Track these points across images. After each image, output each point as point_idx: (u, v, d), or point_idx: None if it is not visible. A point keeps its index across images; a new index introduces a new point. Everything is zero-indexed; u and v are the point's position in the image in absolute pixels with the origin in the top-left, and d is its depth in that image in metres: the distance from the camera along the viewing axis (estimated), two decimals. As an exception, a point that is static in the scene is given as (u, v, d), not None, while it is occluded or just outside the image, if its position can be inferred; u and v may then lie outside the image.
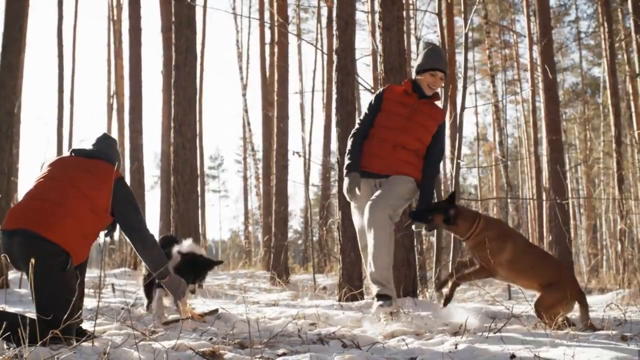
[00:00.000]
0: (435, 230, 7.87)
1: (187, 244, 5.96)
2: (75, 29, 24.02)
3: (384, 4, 7.68)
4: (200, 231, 12.85)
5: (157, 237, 5.99)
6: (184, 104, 10.41)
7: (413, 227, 5.87)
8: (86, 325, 5.04)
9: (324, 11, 24.05)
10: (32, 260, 3.96)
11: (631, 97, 21.37)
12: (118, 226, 5.18)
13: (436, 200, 6.42)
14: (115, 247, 18.60)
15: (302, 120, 27.98)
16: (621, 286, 11.34)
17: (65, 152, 5.27)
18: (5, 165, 8.77)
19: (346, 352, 4.10)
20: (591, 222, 31.42)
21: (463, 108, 8.67)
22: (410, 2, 19.62)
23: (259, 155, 27.14)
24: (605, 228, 32.35)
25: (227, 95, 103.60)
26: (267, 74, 23.49)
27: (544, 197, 19.79)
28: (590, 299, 9.43)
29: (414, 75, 6.06)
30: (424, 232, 7.31)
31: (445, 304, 5.62)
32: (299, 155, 10.80)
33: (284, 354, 4.15)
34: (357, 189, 5.84)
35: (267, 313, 6.64)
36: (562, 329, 4.97)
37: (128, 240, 5.21)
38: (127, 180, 18.70)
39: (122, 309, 6.55)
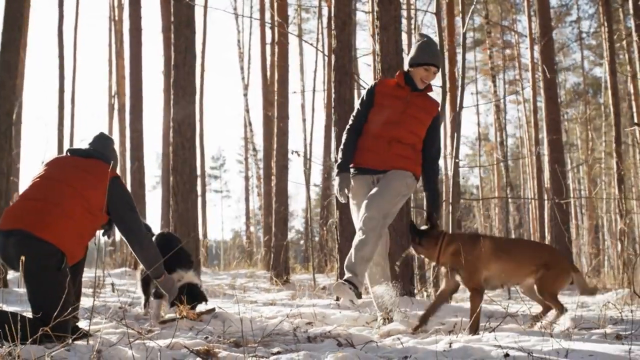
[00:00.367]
0: None
1: (189, 274, 5.94)
2: (76, 29, 24.04)
3: (381, 3, 7.68)
4: (199, 231, 12.86)
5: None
6: (184, 104, 10.40)
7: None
8: (82, 324, 5.05)
9: (326, 11, 24.08)
10: (25, 260, 3.98)
11: (632, 97, 21.34)
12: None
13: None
14: (116, 248, 18.60)
15: (303, 120, 28.01)
16: (621, 286, 11.33)
17: (65, 153, 5.27)
18: (5, 165, 8.77)
19: (340, 350, 4.11)
20: (593, 222, 31.42)
21: (461, 107, 8.68)
22: (411, 2, 19.63)
23: (260, 155, 27.16)
24: (606, 228, 32.32)
25: (229, 96, 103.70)
26: (268, 74, 23.50)
27: (545, 197, 19.78)
28: (589, 299, 9.44)
29: (406, 67, 5.96)
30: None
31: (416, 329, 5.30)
32: (298, 155, 10.80)
33: (278, 353, 4.16)
34: (346, 190, 5.78)
35: (264, 312, 6.64)
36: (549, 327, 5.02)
37: (124, 239, 5.22)
38: (128, 180, 18.74)
39: (120, 308, 6.56)
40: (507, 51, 31.98)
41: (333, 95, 8.24)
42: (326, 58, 23.58)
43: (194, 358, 3.94)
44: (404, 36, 13.01)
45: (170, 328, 5.25)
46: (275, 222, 14.76)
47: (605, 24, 19.15)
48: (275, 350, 4.28)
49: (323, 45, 24.71)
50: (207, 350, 4.10)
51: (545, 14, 18.07)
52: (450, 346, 4.20)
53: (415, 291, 8.18)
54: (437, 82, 11.58)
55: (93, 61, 79.21)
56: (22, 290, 8.34)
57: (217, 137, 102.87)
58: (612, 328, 5.21)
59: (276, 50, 18.06)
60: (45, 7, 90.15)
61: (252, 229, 33.68)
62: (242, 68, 29.90)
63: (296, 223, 46.13)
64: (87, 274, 7.91)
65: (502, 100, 23.41)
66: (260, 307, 7.31)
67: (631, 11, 17.70)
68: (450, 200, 9.02)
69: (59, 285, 4.33)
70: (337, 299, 7.77)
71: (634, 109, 20.75)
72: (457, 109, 8.76)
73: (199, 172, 23.41)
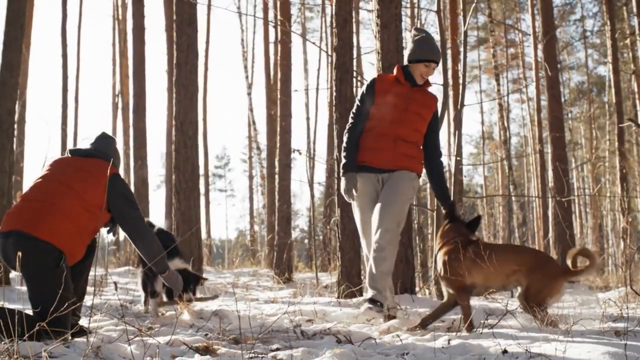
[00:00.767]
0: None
1: (175, 262, 5.99)
2: (80, 28, 24.14)
3: (382, 1, 7.69)
4: (203, 230, 12.87)
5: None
6: (186, 102, 10.44)
7: None
8: (83, 322, 5.06)
9: (329, 10, 24.06)
10: (23, 259, 4.00)
11: (636, 96, 21.29)
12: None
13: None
14: (119, 247, 18.62)
15: (307, 118, 28.00)
16: (623, 284, 11.31)
17: (67, 153, 5.30)
18: (7, 164, 8.79)
19: (338, 347, 4.11)
20: (597, 221, 31.38)
21: (462, 105, 8.69)
22: (414, 0, 19.64)
23: (264, 154, 27.16)
24: (610, 227, 32.28)
25: (234, 95, 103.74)
26: (272, 73, 23.52)
27: (549, 195, 19.76)
28: (592, 297, 9.43)
29: (405, 62, 5.92)
30: None
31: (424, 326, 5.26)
32: (300, 153, 10.80)
33: (277, 349, 4.18)
34: (354, 190, 5.72)
35: (265, 310, 6.64)
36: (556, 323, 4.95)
37: (127, 236, 5.23)
38: (131, 179, 18.76)
39: (121, 305, 6.58)
40: (511, 50, 31.96)
41: (334, 93, 8.24)
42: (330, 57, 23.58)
43: (193, 354, 3.95)
44: (408, 35, 13.02)
45: (170, 325, 5.27)
46: (279, 221, 14.77)
47: (609, 22, 19.11)
48: (274, 346, 4.29)
49: (327, 45, 24.71)
50: (207, 347, 4.12)
51: (548, 12, 18.08)
52: (448, 343, 4.21)
53: (417, 289, 8.19)
54: (436, 79, 11.64)
55: (96, 60, 79.28)
56: (24, 288, 8.37)
57: (221, 136, 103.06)
58: (612, 325, 5.20)
59: (279, 49, 18.06)
60: (49, 6, 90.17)
61: (256, 227, 33.67)
62: (245, 67, 29.90)
63: (301, 222, 46.09)
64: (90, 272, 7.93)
65: (504, 98, 23.34)
66: (261, 305, 7.32)
67: (635, 10, 17.70)
68: (452, 198, 9.02)
69: (56, 282, 4.34)
70: (338, 297, 7.78)
71: (638, 107, 20.71)
72: (459, 106, 8.77)
73: (202, 171, 23.48)
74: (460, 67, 8.95)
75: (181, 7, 10.67)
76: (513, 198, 28.93)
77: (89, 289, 5.49)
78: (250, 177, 34.41)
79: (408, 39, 6.07)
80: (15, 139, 9.42)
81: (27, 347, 3.57)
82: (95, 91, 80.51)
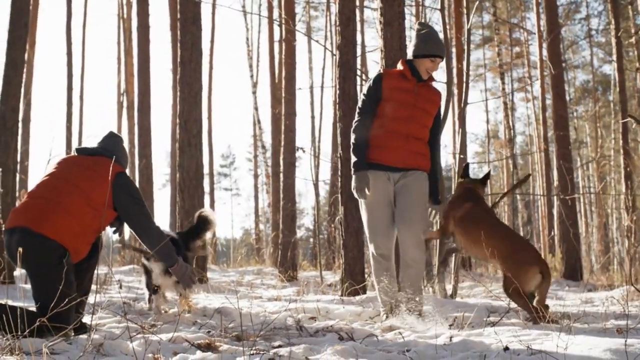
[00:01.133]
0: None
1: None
2: (85, 26, 24.19)
3: (385, -1, 7.71)
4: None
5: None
6: (190, 101, 10.43)
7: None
8: (86, 319, 5.08)
9: (334, 9, 24.06)
10: (26, 255, 4.02)
11: (642, 94, 21.29)
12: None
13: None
14: (124, 245, 18.63)
15: (312, 117, 28.01)
16: (628, 282, 11.30)
17: (73, 152, 5.33)
18: (11, 162, 8.81)
19: (340, 344, 4.12)
20: (602, 220, 31.33)
21: (466, 103, 8.68)
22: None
23: (269, 153, 27.18)
24: (615, 225, 32.23)
25: (240, 94, 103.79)
26: (276, 71, 23.52)
27: (553, 193, 19.73)
28: (595, 295, 9.44)
29: (410, 56, 5.88)
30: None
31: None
32: (303, 151, 10.80)
33: (279, 346, 4.18)
34: (366, 189, 5.64)
35: (268, 307, 6.65)
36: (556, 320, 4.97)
37: (133, 233, 5.24)
38: (136, 177, 18.78)
39: (124, 303, 6.59)
40: (516, 48, 31.91)
41: (337, 92, 8.24)
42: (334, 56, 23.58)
43: (194, 351, 3.96)
44: (412, 33, 13.00)
45: (173, 323, 5.28)
46: (283, 219, 14.77)
47: (613, 21, 19.05)
48: (276, 343, 4.30)
49: (332, 43, 24.70)
50: (209, 344, 4.13)
51: (553, 10, 18.03)
52: (450, 340, 4.21)
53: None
54: (440, 77, 11.59)
55: (101, 59, 79.36)
56: (28, 286, 8.39)
57: (227, 135, 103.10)
58: (614, 323, 5.20)
59: (284, 47, 18.06)
60: (54, 5, 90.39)
61: (261, 226, 33.68)
62: (250, 66, 29.93)
63: (306, 221, 46.14)
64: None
65: (509, 97, 23.31)
66: (264, 303, 7.33)
67: (639, 9, 17.64)
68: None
69: (57, 278, 4.35)
70: (341, 295, 7.78)
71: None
72: (462, 105, 8.76)
73: (207, 169, 23.52)
74: (464, 65, 8.92)
75: (185, 6, 10.67)
76: (518, 197, 28.91)
77: (92, 287, 5.50)
78: (256, 176, 34.45)
79: (412, 36, 6.05)
80: (20, 137, 9.43)
81: (29, 344, 3.58)
82: (100, 90, 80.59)
